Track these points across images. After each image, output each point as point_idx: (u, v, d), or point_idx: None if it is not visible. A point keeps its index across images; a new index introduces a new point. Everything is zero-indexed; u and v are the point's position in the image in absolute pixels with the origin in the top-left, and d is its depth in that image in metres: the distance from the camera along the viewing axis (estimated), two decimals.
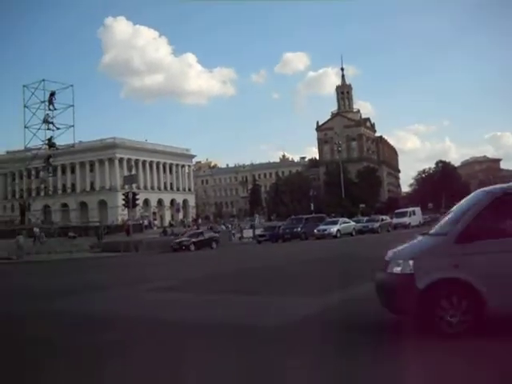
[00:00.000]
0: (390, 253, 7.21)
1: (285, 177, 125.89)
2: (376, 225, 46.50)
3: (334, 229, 41.26)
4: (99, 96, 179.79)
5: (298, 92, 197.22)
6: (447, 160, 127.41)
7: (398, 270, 6.81)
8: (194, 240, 37.95)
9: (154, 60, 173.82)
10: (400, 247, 7.34)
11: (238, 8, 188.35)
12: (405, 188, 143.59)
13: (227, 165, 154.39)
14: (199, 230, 44.93)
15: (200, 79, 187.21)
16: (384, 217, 52.65)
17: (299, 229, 42.71)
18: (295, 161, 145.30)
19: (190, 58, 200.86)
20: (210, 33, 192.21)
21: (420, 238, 7.50)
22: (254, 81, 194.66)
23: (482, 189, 7.50)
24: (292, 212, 72.85)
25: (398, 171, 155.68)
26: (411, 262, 6.68)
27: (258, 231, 48.00)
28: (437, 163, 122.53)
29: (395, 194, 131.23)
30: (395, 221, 51.18)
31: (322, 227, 41.89)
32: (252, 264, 21.32)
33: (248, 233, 51.19)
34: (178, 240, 38.63)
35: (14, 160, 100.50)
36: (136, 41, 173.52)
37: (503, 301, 6.40)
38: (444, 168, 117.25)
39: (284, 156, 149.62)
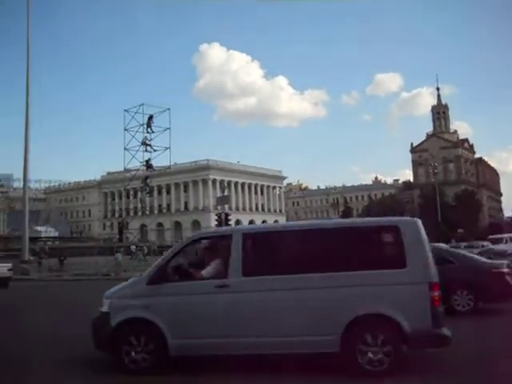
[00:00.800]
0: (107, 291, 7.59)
1: (377, 199, 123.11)
2: (475, 251, 43.79)
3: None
4: (193, 119, 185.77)
5: (390, 113, 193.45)
6: None
7: (101, 308, 7.31)
8: None
9: (246, 84, 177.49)
10: (116, 286, 7.71)
11: (329, 30, 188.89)
12: (508, 213, 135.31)
13: (318, 186, 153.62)
14: None
15: (291, 101, 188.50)
16: (485, 243, 49.63)
17: None
18: (388, 183, 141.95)
19: (282, 80, 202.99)
20: (301, 55, 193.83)
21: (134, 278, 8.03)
22: (345, 102, 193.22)
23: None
24: None
25: (500, 195, 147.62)
26: (109, 301, 7.24)
27: None
28: None
29: (497, 219, 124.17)
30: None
31: None
32: None
33: None
34: None
35: (114, 180, 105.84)
36: (229, 65, 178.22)
37: (183, 340, 6.94)
38: None
39: (376, 178, 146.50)
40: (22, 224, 43.23)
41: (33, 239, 52.94)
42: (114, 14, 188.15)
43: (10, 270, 25.41)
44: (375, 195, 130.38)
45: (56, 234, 79.28)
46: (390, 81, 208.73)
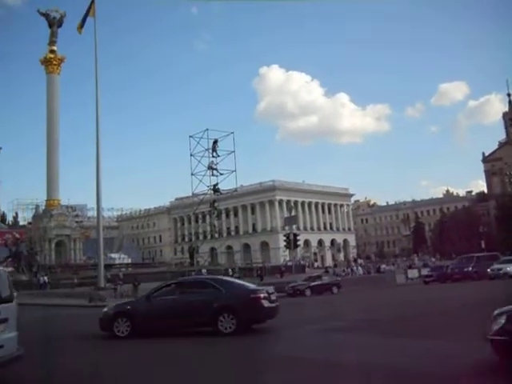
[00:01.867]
0: None
1: (450, 213, 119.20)
2: None
3: (511, 268, 37.55)
4: (256, 140, 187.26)
5: (458, 123, 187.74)
6: None
7: None
8: (310, 284, 35.55)
9: (307, 102, 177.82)
10: None
11: (387, 44, 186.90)
12: None
13: (387, 202, 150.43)
14: (316, 274, 42.28)
15: (353, 117, 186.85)
16: None
17: (470, 268, 39.60)
18: (460, 195, 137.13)
19: (343, 97, 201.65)
20: (361, 71, 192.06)
21: None
22: (409, 115, 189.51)
23: None
24: (460, 250, 68.23)
25: None
26: None
27: (425, 271, 45.50)
28: None
29: None
30: None
31: (496, 266, 38.31)
32: (413, 309, 19.92)
33: (413, 273, 48.70)
34: (292, 284, 36.03)
35: (183, 206, 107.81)
36: (289, 86, 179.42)
37: None
38: None
39: (448, 191, 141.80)
40: (97, 252, 44.57)
41: (107, 266, 54.43)
42: (176, 42, 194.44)
43: None
44: (447, 209, 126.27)
45: (129, 261, 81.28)
46: (456, 89, 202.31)
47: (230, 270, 52.96)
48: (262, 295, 13.84)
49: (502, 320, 7.42)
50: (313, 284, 35.22)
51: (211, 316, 13.32)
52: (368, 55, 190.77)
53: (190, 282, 16.35)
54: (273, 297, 14.27)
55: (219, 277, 16.99)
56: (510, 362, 7.40)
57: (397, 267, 59.72)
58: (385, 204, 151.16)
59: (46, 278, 51.01)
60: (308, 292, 34.15)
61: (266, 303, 13.74)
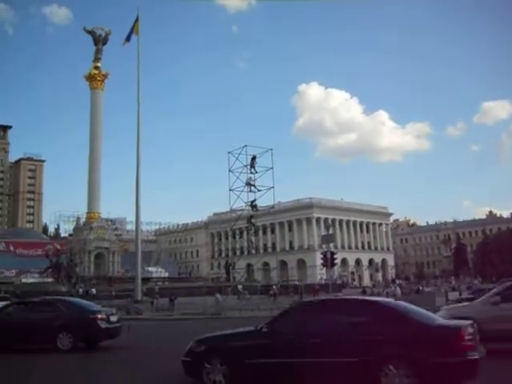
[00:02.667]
0: None
1: (493, 234, 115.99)
2: None
3: None
4: (295, 157, 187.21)
5: (501, 142, 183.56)
6: None
7: None
8: None
9: (346, 120, 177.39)
10: None
11: (428, 62, 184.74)
12: None
13: (427, 222, 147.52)
14: (337, 294, 41.71)
15: (393, 135, 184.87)
16: None
17: None
18: (504, 217, 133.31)
19: (382, 115, 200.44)
20: (401, 89, 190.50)
21: None
22: (450, 133, 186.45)
23: None
24: (502, 273, 66.10)
25: None
26: None
27: (465, 294, 44.28)
28: None
29: None
30: None
31: None
32: None
33: (453, 295, 47.40)
34: None
35: (220, 221, 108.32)
36: (328, 103, 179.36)
37: None
38: None
39: (491, 212, 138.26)
40: (135, 265, 45.07)
41: (145, 280, 54.96)
42: (216, 60, 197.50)
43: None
44: (490, 230, 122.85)
45: (166, 275, 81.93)
46: (499, 108, 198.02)
47: (273, 286, 53.45)
48: (99, 316, 14.81)
49: (191, 342, 8.56)
50: None
51: (51, 334, 14.17)
52: (408, 73, 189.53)
53: (37, 301, 17.21)
54: (113, 318, 15.28)
55: (64, 298, 18.02)
56: (195, 381, 8.32)
57: (437, 289, 58.23)
58: (425, 224, 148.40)
59: (93, 290, 52.03)
60: None
61: (103, 324, 14.71)
